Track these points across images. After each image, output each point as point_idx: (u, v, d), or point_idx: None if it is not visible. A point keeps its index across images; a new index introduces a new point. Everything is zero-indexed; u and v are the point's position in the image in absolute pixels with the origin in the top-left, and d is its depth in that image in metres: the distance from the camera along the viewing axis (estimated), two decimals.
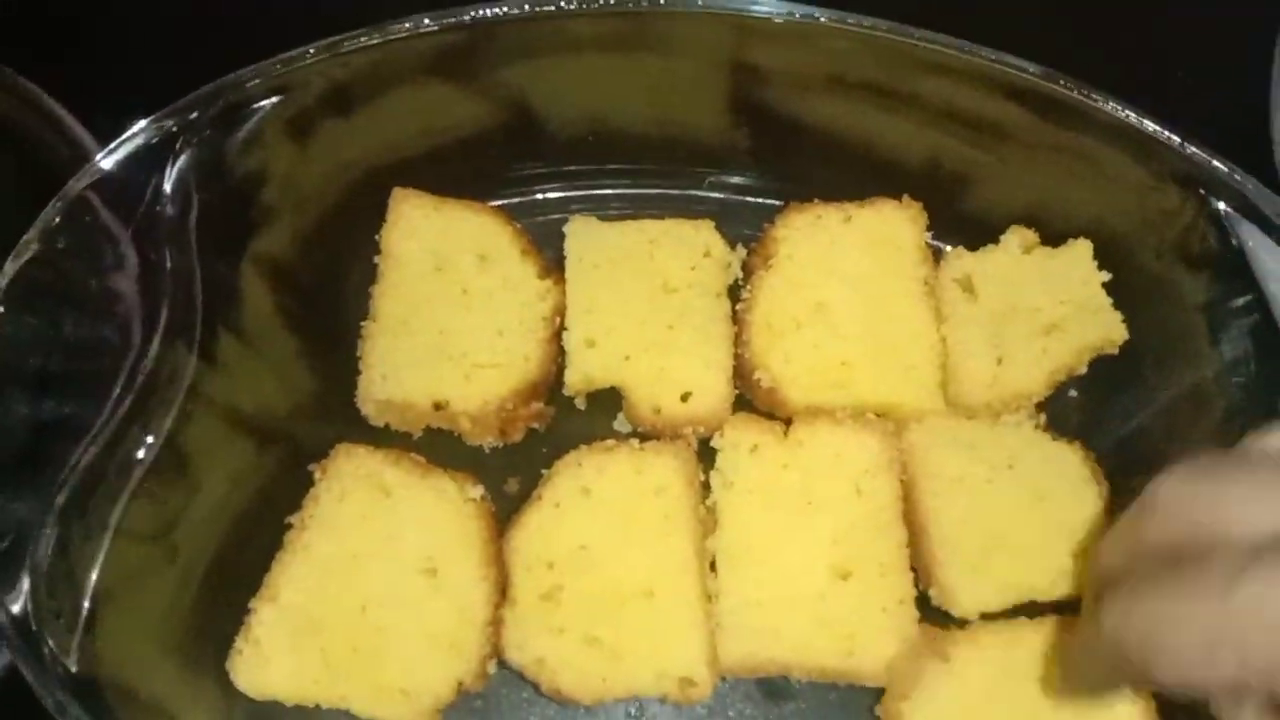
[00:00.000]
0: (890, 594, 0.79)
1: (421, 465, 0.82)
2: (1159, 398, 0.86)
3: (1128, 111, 0.83)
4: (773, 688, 0.80)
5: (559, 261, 0.91)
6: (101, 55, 1.03)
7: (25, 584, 0.67)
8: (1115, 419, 0.88)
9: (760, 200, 0.96)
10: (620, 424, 0.88)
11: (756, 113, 0.92)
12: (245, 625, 0.76)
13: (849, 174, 0.93)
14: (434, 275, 0.89)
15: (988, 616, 0.80)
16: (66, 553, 0.69)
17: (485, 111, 0.91)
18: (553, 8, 0.85)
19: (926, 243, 0.91)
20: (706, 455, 0.85)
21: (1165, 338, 0.85)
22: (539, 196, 0.97)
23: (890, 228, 0.91)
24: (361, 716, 0.75)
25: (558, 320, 0.89)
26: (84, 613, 0.69)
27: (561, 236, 0.92)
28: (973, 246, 0.91)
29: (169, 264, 0.77)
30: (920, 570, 0.81)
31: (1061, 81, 0.83)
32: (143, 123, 0.78)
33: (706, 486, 0.83)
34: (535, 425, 0.87)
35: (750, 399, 0.88)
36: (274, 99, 0.82)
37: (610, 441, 0.84)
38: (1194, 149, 0.81)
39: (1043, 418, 0.87)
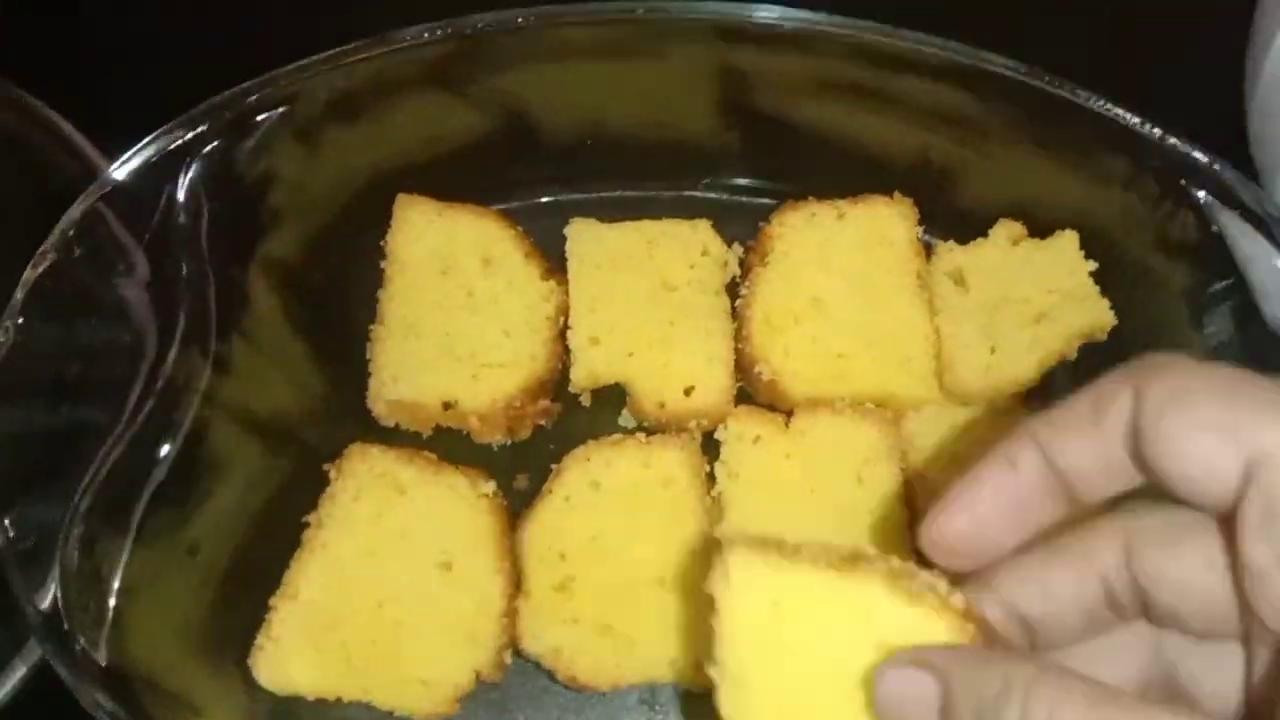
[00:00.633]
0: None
1: (434, 463, 0.84)
2: None
3: (1108, 106, 0.85)
4: None
5: (561, 263, 0.93)
6: (106, 71, 1.05)
7: (54, 583, 0.69)
8: None
9: (755, 200, 0.98)
10: (625, 419, 0.90)
11: (749, 115, 0.95)
12: (266, 622, 0.78)
13: (841, 172, 0.95)
14: (439, 278, 0.91)
15: None
16: (92, 552, 0.71)
17: (485, 118, 0.93)
18: (548, 17, 0.88)
19: (918, 238, 0.93)
20: (710, 448, 0.87)
21: (1151, 323, 0.88)
22: (539, 200, 0.99)
23: (883, 224, 0.93)
24: (382, 708, 0.77)
25: (562, 320, 0.91)
26: (110, 610, 0.71)
27: (563, 239, 0.94)
28: (963, 241, 0.94)
29: (184, 272, 0.79)
30: (923, 555, 0.83)
31: (1044, 78, 0.86)
32: (153, 135, 0.80)
33: (711, 478, 0.85)
34: (542, 422, 0.89)
35: (751, 392, 0.91)
36: (280, 109, 0.84)
37: (617, 436, 0.87)
38: (1173, 140, 0.84)
39: (1035, 404, 0.90)
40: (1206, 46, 1.04)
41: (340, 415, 0.88)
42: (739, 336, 0.90)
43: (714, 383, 0.88)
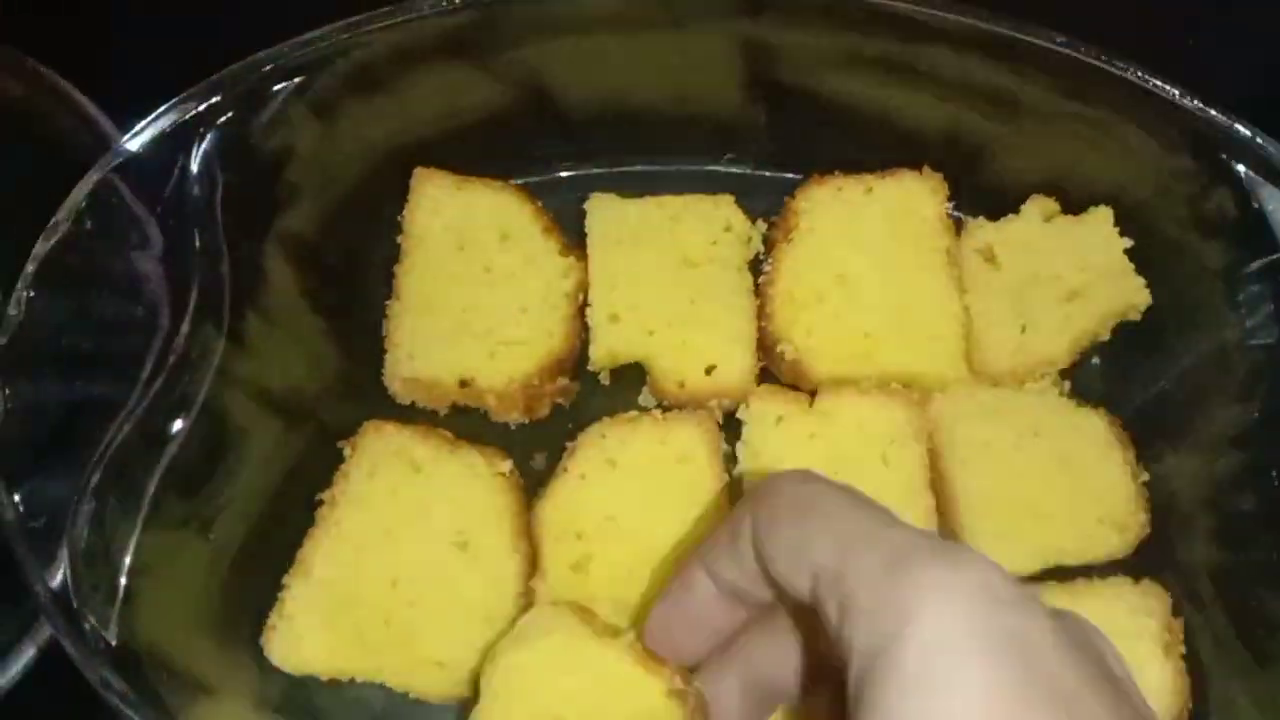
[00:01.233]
0: None
1: (450, 440, 0.82)
2: (1182, 363, 0.86)
3: (1146, 77, 0.83)
4: None
5: (580, 239, 0.91)
6: (119, 40, 1.03)
7: (63, 561, 0.68)
8: (1138, 385, 0.88)
9: (780, 174, 0.96)
10: (645, 399, 0.88)
11: (774, 88, 0.92)
12: (279, 601, 0.77)
13: (868, 146, 0.93)
14: (457, 254, 0.89)
15: None
16: (103, 529, 0.70)
17: (504, 91, 0.91)
18: None
19: (947, 214, 0.91)
20: (732, 428, 0.85)
21: (1187, 303, 0.86)
22: (559, 175, 0.97)
23: (911, 199, 0.91)
24: (396, 689, 0.76)
25: (581, 296, 0.89)
26: (121, 588, 0.70)
27: (582, 214, 0.92)
28: (993, 217, 0.92)
29: (197, 245, 0.77)
30: (949, 537, 0.81)
31: (1079, 49, 0.83)
32: (167, 105, 0.78)
33: (732, 458, 0.84)
34: (560, 401, 0.88)
35: (774, 371, 0.89)
36: (297, 79, 0.82)
37: (633, 413, 0.85)
38: (1214, 113, 0.81)
39: (1066, 385, 0.88)
40: (1249, 16, 1.01)
41: (356, 392, 0.87)
42: (762, 314, 0.88)
43: (736, 361, 0.87)
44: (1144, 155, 0.86)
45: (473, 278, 0.89)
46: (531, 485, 0.84)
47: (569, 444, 0.83)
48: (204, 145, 0.78)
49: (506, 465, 0.82)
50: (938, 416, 0.85)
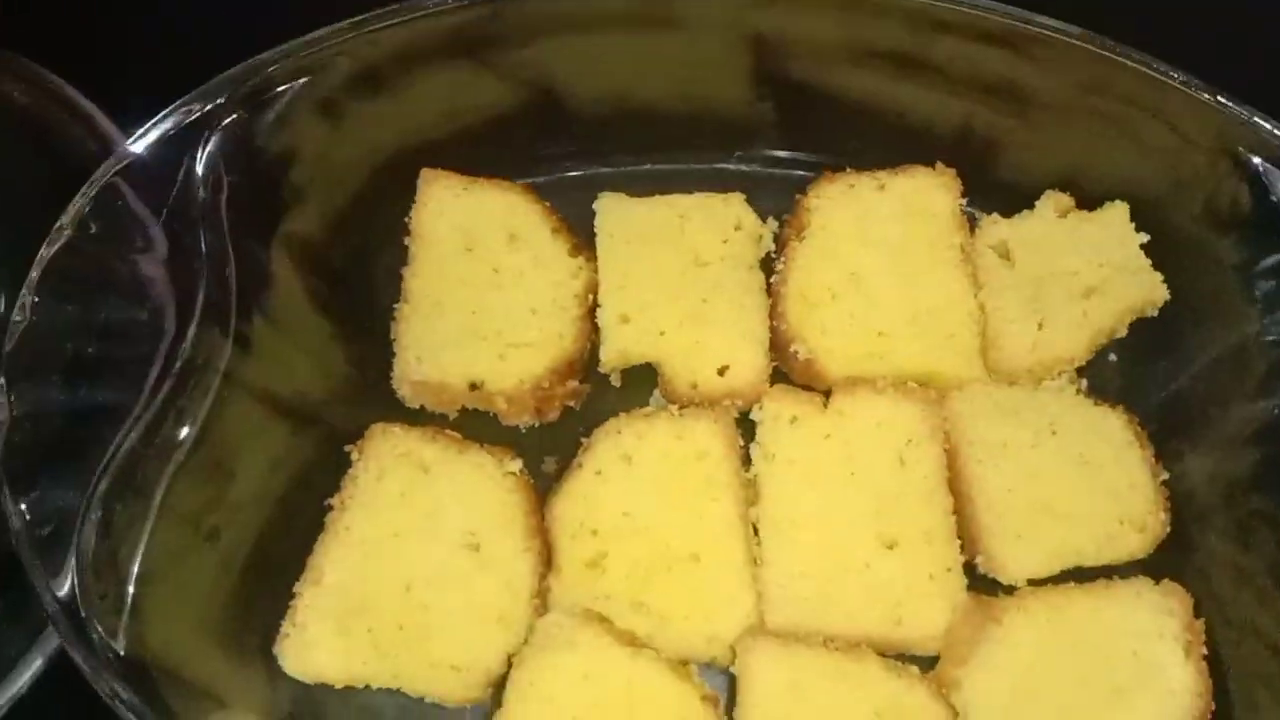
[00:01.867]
0: (937, 562, 0.79)
1: (458, 441, 0.82)
2: (1200, 359, 0.85)
3: (1162, 69, 0.82)
4: None
5: (590, 239, 0.90)
6: (122, 44, 1.02)
7: (71, 569, 0.67)
8: (1156, 382, 0.87)
9: (791, 172, 0.95)
10: (656, 400, 0.87)
11: (783, 84, 0.91)
12: (290, 609, 0.76)
13: (880, 142, 0.92)
14: (465, 255, 0.88)
15: (1035, 583, 0.79)
16: (110, 537, 0.69)
17: (510, 91, 0.90)
18: None
19: (961, 210, 0.90)
20: (746, 428, 0.84)
21: (1204, 298, 0.85)
22: (567, 175, 0.96)
23: (924, 195, 0.90)
24: (412, 695, 0.75)
25: (590, 297, 0.88)
26: (129, 596, 0.69)
27: (591, 214, 0.91)
28: (1008, 213, 0.91)
29: (203, 248, 0.76)
30: (966, 538, 0.80)
31: (1095, 41, 0.83)
32: (170, 108, 0.77)
33: (747, 459, 0.83)
34: (571, 403, 0.87)
35: (787, 371, 0.88)
36: (301, 80, 0.81)
37: (649, 409, 0.84)
38: (1230, 104, 0.80)
39: (1084, 382, 0.87)
40: (1265, 7, 1.00)
41: (364, 396, 0.86)
42: (774, 314, 0.87)
43: (748, 361, 0.86)
44: (1160, 149, 0.85)
45: (481, 279, 0.88)
46: (543, 488, 0.83)
47: (584, 440, 0.82)
48: (208, 147, 0.77)
49: (516, 465, 0.81)
50: (954, 415, 0.84)
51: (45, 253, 0.73)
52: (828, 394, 0.84)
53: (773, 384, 0.86)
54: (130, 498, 0.71)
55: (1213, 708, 0.75)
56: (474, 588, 0.77)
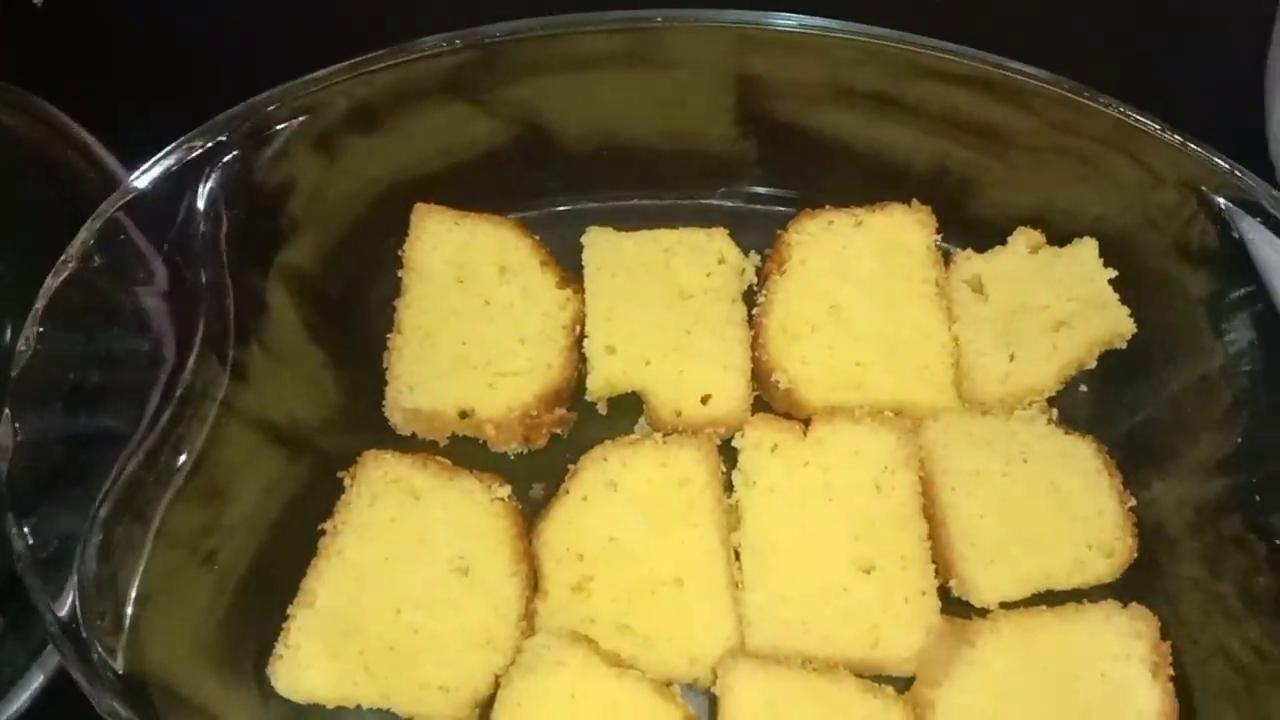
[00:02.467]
0: (912, 586, 0.81)
1: (448, 468, 0.84)
2: (1167, 389, 0.88)
3: (1128, 111, 0.85)
4: None
5: (577, 271, 0.93)
6: (124, 81, 1.05)
7: (72, 590, 0.69)
8: (1124, 411, 0.90)
9: (772, 208, 0.98)
10: (641, 428, 0.90)
11: (765, 122, 0.95)
12: (284, 630, 0.78)
13: (858, 179, 0.95)
14: (456, 287, 0.91)
15: (1007, 605, 0.81)
16: (110, 559, 0.71)
17: (501, 127, 0.94)
18: (564, 26, 0.88)
19: (936, 245, 0.93)
20: (728, 455, 0.86)
21: (1171, 331, 0.87)
22: (556, 209, 0.99)
23: (900, 231, 0.93)
24: (402, 715, 0.77)
25: (578, 328, 0.91)
26: (128, 617, 0.71)
27: (579, 247, 0.94)
28: (981, 248, 0.94)
29: (203, 280, 0.79)
30: (940, 563, 0.83)
31: (1064, 85, 0.86)
32: (173, 144, 0.80)
33: (729, 485, 0.85)
34: (558, 431, 0.89)
35: (768, 400, 0.90)
36: (300, 119, 0.84)
37: (634, 435, 0.87)
38: (1194, 146, 0.83)
39: (1054, 412, 0.89)
40: (1226, 52, 1.04)
41: (357, 423, 0.88)
42: (756, 344, 0.90)
43: (731, 390, 0.88)
44: (1127, 188, 0.88)
45: (472, 310, 0.90)
46: (530, 513, 0.85)
47: (571, 467, 0.85)
48: (209, 183, 0.80)
49: (505, 490, 0.83)
50: (928, 444, 0.86)
51: (50, 284, 0.75)
52: (807, 422, 0.87)
53: (754, 413, 0.88)
54: (130, 522, 0.73)
55: None
56: (463, 611, 0.79)
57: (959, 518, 0.83)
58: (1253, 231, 0.82)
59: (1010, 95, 0.87)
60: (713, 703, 0.78)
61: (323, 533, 0.81)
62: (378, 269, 0.93)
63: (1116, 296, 0.89)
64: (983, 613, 0.81)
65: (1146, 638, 0.80)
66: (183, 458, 0.76)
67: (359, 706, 0.77)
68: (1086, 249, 0.91)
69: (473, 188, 0.95)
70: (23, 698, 0.76)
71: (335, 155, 0.88)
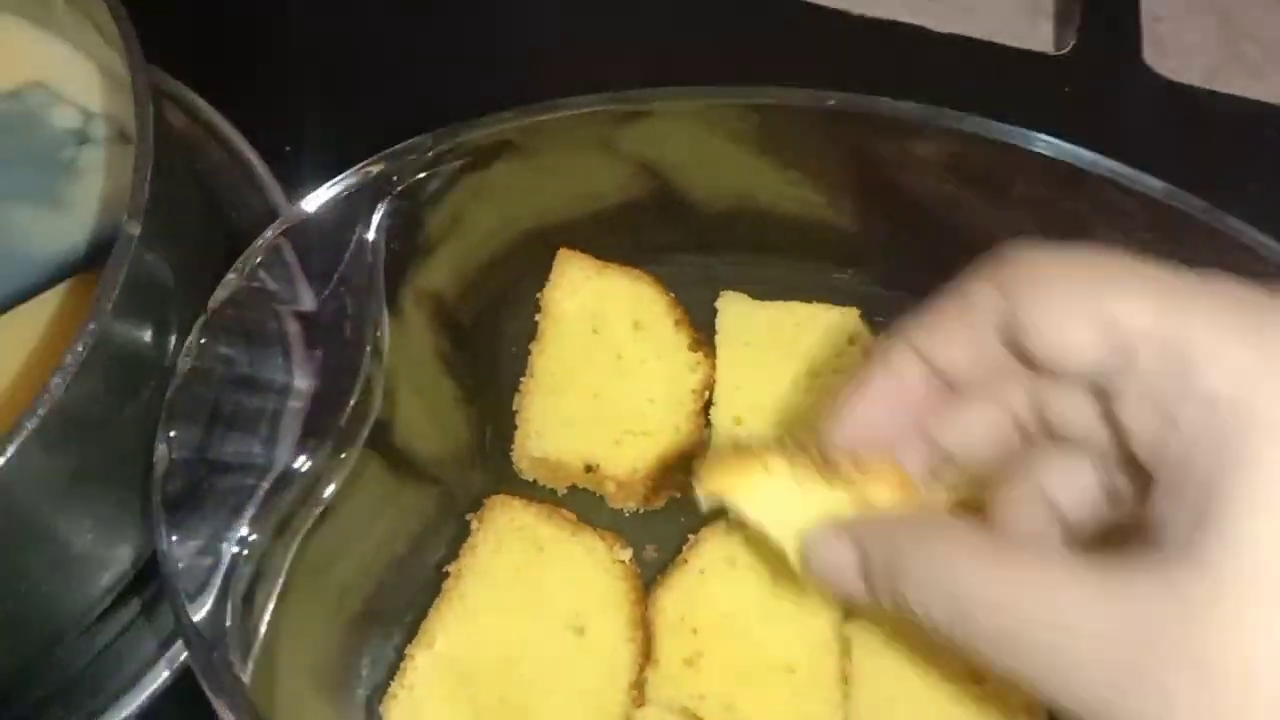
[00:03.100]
0: (1019, 701, 0.80)
1: (573, 523, 0.84)
2: None
3: (1271, 245, 0.85)
4: None
5: (706, 333, 0.94)
6: (292, 112, 1.07)
7: (211, 600, 0.69)
8: None
9: (901, 293, 0.98)
10: None
11: (894, 206, 0.94)
12: (401, 670, 0.78)
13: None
14: (591, 338, 0.92)
15: None
16: (249, 582, 0.72)
17: (640, 182, 0.94)
18: (715, 96, 0.89)
19: None
20: None
21: None
22: (686, 268, 0.99)
23: None
24: None
25: (706, 394, 0.91)
26: (261, 634, 0.71)
27: (707, 309, 0.95)
28: None
29: (364, 311, 0.79)
30: None
31: (1206, 211, 0.85)
32: (346, 174, 0.81)
33: None
34: (677, 494, 0.90)
35: None
36: (461, 159, 0.85)
37: None
38: None
39: None
40: None
41: (483, 463, 0.89)
42: None
43: None
44: None
45: (605, 364, 0.91)
46: (644, 576, 0.85)
47: (689, 536, 0.85)
48: (379, 215, 0.81)
49: (627, 553, 0.84)
50: None
51: (215, 300, 0.76)
52: None
53: None
54: (271, 546, 0.73)
55: None
56: (576, 671, 0.79)
57: None
58: None
59: (1155, 212, 0.87)
60: None
61: (446, 574, 0.82)
62: (515, 310, 0.94)
63: None
64: None
65: None
66: (330, 489, 0.76)
67: None
68: None
69: (609, 239, 0.96)
70: (148, 691, 0.77)
71: (484, 196, 0.89)
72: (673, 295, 0.95)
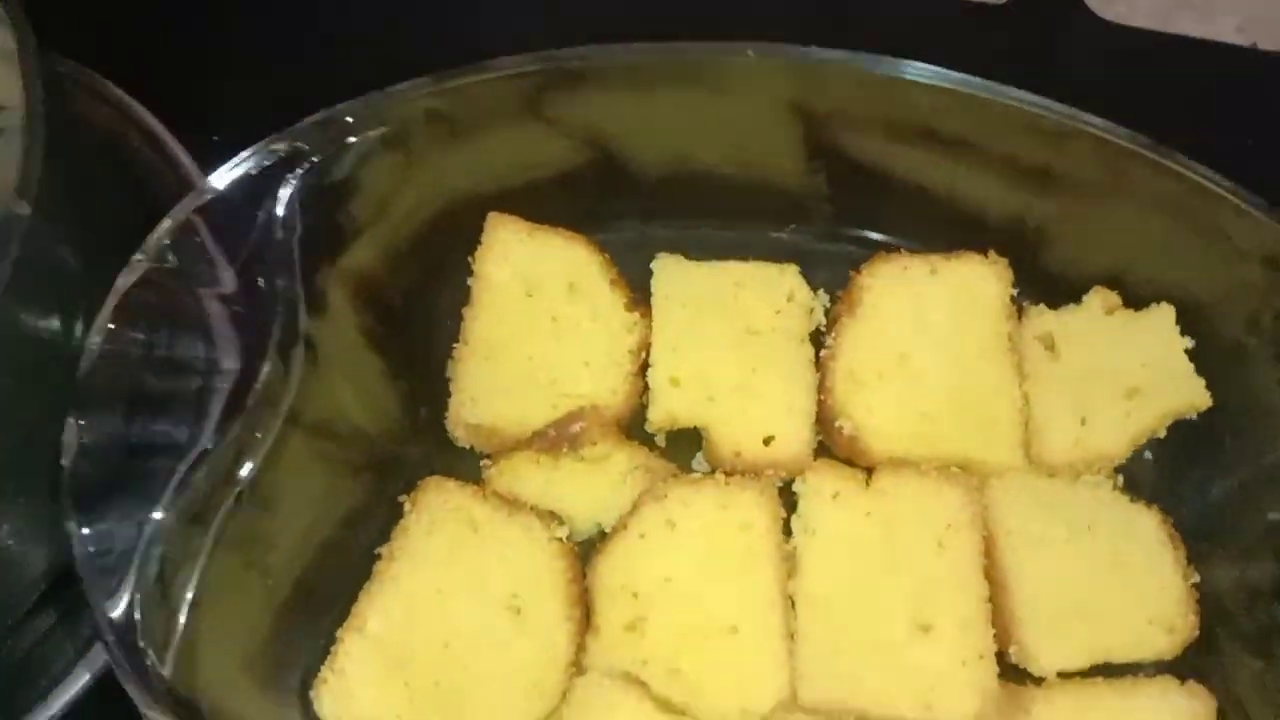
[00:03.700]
0: (971, 649, 0.79)
1: (508, 502, 0.82)
2: (1236, 469, 0.86)
3: (1211, 176, 0.83)
4: None
5: (645, 296, 0.92)
6: (205, 84, 1.04)
7: (126, 594, 0.67)
8: (1191, 485, 0.88)
9: (843, 247, 0.97)
10: (699, 463, 0.89)
11: (840, 160, 0.93)
12: (331, 654, 0.76)
13: (933, 225, 0.93)
14: (525, 301, 0.90)
15: (1065, 675, 0.80)
16: (166, 565, 0.69)
17: (575, 148, 0.92)
18: (644, 53, 0.87)
19: (1010, 298, 0.91)
20: (787, 500, 0.85)
21: (1246, 411, 0.86)
22: (625, 233, 0.97)
23: (976, 282, 0.91)
24: None
25: (643, 355, 0.89)
26: (180, 625, 0.69)
27: (647, 273, 0.92)
28: (1054, 304, 0.92)
29: (275, 287, 0.77)
30: (1000, 627, 0.81)
31: (1140, 141, 0.84)
32: (254, 148, 0.78)
33: (787, 530, 0.84)
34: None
35: (831, 446, 0.89)
36: (380, 129, 0.82)
37: (696, 475, 0.86)
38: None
39: (1119, 479, 0.88)
40: None
41: (416, 436, 0.87)
42: (821, 388, 0.89)
43: (793, 434, 0.87)
44: (1207, 257, 0.86)
45: (539, 327, 0.89)
46: (584, 549, 0.84)
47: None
48: (289, 189, 0.78)
49: (563, 531, 0.82)
50: (993, 503, 0.85)
51: (122, 282, 0.74)
52: (870, 472, 0.86)
53: (816, 458, 0.87)
54: (188, 528, 0.71)
55: None
56: (512, 651, 0.77)
57: (1021, 582, 0.82)
58: None
59: (1094, 152, 0.85)
60: None
61: (378, 556, 0.80)
62: (445, 279, 0.91)
63: (1192, 367, 0.88)
64: (1040, 681, 0.80)
65: (1203, 717, 0.79)
66: (247, 467, 0.74)
67: None
68: (1163, 316, 0.89)
69: (545, 206, 0.93)
70: (66, 697, 0.75)
71: (410, 166, 0.86)
72: (608, 255, 0.93)
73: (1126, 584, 0.83)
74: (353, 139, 0.82)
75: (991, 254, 0.92)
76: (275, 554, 0.77)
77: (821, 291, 0.93)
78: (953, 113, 0.87)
